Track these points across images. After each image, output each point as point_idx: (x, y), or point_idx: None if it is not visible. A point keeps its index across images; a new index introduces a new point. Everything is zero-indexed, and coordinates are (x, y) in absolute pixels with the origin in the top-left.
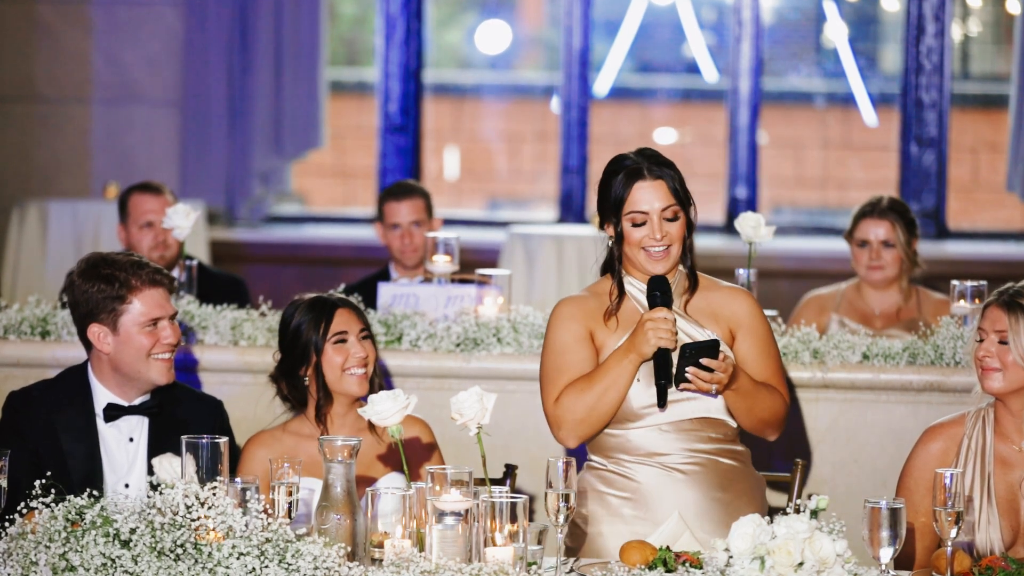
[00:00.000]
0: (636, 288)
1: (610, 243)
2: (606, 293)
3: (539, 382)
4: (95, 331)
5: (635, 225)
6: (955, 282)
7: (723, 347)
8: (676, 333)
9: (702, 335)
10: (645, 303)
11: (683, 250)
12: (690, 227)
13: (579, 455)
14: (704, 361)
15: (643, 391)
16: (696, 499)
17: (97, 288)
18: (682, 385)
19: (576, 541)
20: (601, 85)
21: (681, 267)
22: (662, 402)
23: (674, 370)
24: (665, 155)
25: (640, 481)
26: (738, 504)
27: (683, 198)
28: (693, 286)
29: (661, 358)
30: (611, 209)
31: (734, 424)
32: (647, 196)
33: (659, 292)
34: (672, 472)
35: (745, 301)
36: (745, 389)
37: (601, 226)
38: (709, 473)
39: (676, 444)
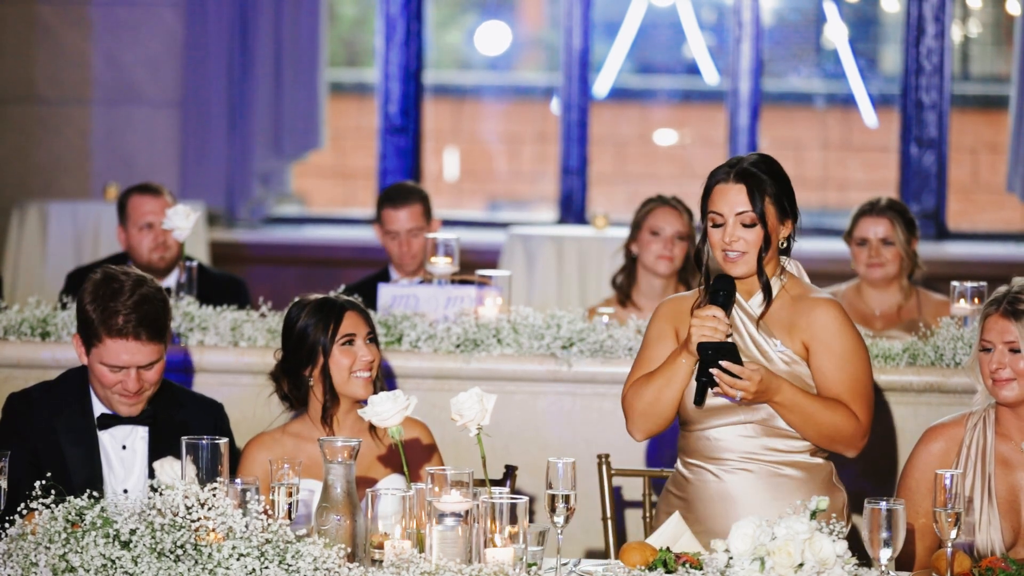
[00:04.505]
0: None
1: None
2: None
3: None
4: (76, 340)
5: (714, 225)
6: (955, 283)
7: (780, 355)
8: (727, 334)
9: (772, 349)
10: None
11: (759, 261)
12: (767, 241)
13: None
14: (725, 365)
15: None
16: (744, 507)
17: (85, 311)
18: (715, 390)
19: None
20: (601, 86)
21: (772, 278)
22: (698, 400)
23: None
24: (774, 168)
25: (692, 481)
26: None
27: (763, 210)
28: (767, 299)
29: (701, 362)
30: (703, 204)
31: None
32: (725, 198)
33: (722, 292)
34: (722, 478)
35: (824, 314)
36: (791, 402)
37: (702, 217)
38: (761, 483)
39: (735, 448)
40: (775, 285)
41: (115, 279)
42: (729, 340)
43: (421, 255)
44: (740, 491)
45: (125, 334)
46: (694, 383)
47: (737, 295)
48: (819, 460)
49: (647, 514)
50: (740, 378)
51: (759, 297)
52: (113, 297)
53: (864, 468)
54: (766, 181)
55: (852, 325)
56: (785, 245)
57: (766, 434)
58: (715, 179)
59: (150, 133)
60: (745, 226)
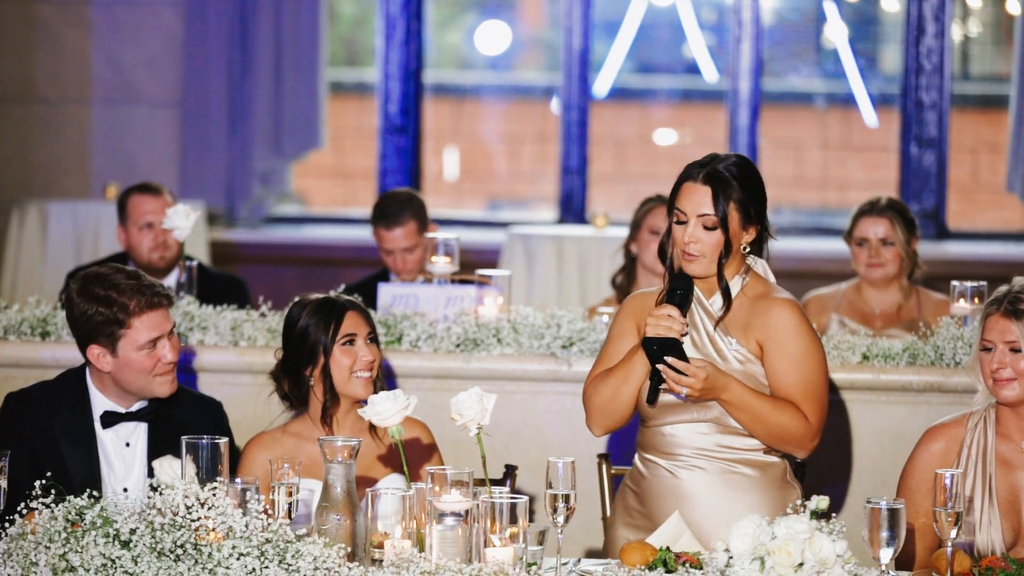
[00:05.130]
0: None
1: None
2: None
3: None
4: (94, 352)
5: (677, 222)
6: (955, 283)
7: (735, 353)
8: (683, 333)
9: (727, 348)
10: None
11: (719, 265)
12: (728, 245)
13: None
14: (670, 360)
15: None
16: (698, 502)
17: (95, 311)
18: (662, 386)
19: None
20: (601, 86)
21: (736, 278)
22: (651, 398)
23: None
24: (746, 172)
25: (647, 477)
26: (745, 513)
27: (725, 214)
28: (727, 304)
29: (647, 351)
30: (670, 198)
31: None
32: (690, 197)
33: (679, 291)
34: (676, 474)
35: (780, 314)
36: (739, 401)
37: (668, 212)
38: (715, 479)
39: (690, 444)
40: (736, 285)
41: (100, 275)
42: (673, 337)
43: (418, 266)
44: (693, 488)
45: (154, 304)
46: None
47: (699, 292)
48: (773, 458)
49: None
50: (685, 374)
51: (717, 296)
52: (117, 286)
53: (863, 467)
54: (734, 186)
55: (809, 326)
56: (748, 250)
57: (720, 431)
58: (685, 176)
59: (150, 133)
60: (706, 228)
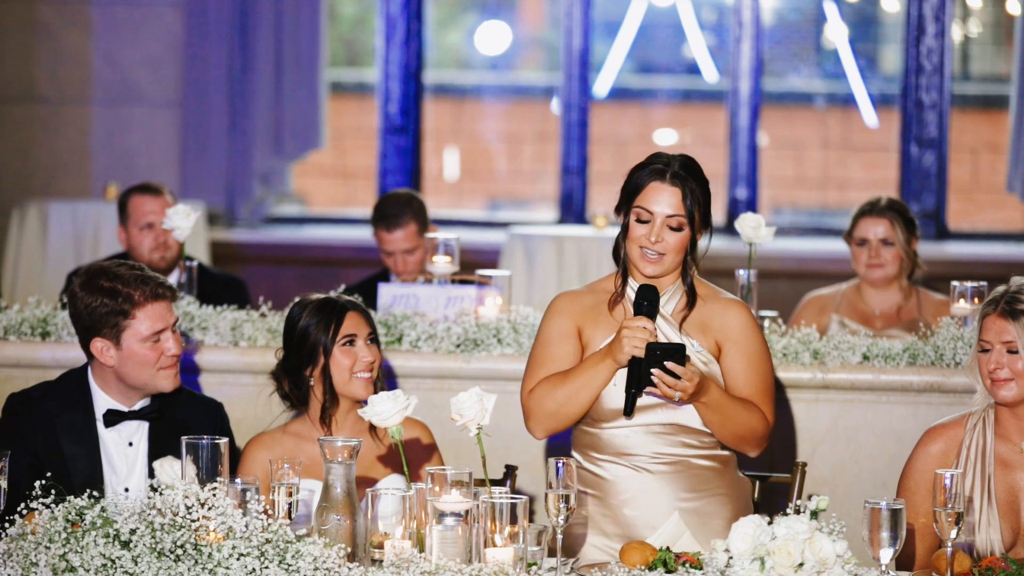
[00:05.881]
0: (632, 291)
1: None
2: (605, 291)
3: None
4: (98, 345)
5: (639, 221)
6: (955, 283)
7: (698, 355)
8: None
9: (692, 351)
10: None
11: (683, 266)
12: (693, 244)
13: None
14: (669, 366)
15: (618, 394)
16: (664, 499)
17: (99, 302)
18: (647, 389)
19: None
20: (601, 86)
21: (681, 283)
22: (628, 410)
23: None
24: (701, 173)
25: (607, 479)
26: (711, 507)
27: (692, 215)
28: (691, 303)
29: (634, 367)
30: (626, 197)
31: (710, 431)
32: (658, 198)
33: (646, 302)
34: (641, 472)
35: (737, 315)
36: (716, 403)
37: (616, 210)
38: (679, 475)
39: (647, 446)
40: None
41: (104, 268)
42: (680, 343)
43: (419, 267)
44: (659, 484)
45: (158, 296)
46: (612, 388)
47: None
48: (727, 452)
49: None
50: (680, 379)
51: (667, 296)
52: (121, 277)
53: (863, 468)
54: (697, 187)
55: (760, 327)
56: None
57: (680, 432)
58: (647, 178)
59: (150, 133)
60: (672, 229)
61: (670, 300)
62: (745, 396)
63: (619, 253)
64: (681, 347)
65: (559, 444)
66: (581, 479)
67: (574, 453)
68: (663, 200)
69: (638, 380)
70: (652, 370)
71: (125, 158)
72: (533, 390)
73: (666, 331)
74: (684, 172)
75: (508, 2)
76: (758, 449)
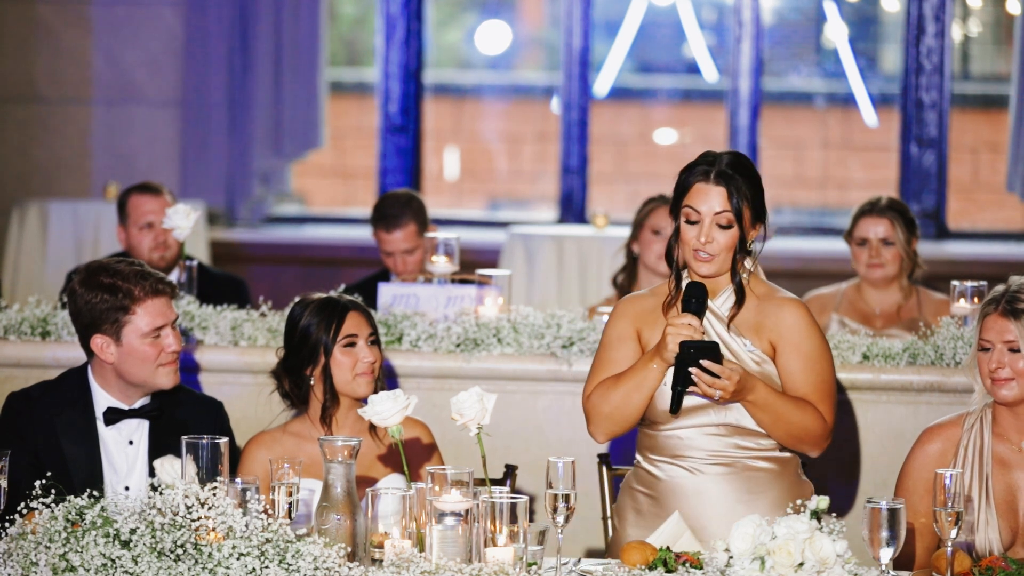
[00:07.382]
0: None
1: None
2: (665, 294)
3: None
4: (98, 342)
5: (688, 222)
6: (955, 282)
7: (750, 355)
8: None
9: (742, 350)
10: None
11: (733, 264)
12: (742, 242)
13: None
14: (706, 364)
15: (670, 395)
16: (718, 501)
17: (100, 298)
18: (690, 388)
19: (608, 538)
20: (601, 85)
21: (731, 282)
22: (675, 408)
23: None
24: (751, 169)
25: (662, 479)
26: (766, 509)
27: (740, 212)
28: (740, 301)
29: (679, 365)
30: (676, 199)
31: (765, 433)
32: (704, 197)
33: (694, 299)
34: (696, 473)
35: (791, 314)
36: (764, 402)
37: (671, 212)
38: (734, 476)
39: (702, 447)
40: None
41: (104, 265)
42: (713, 341)
43: (419, 267)
44: (714, 486)
45: (158, 292)
46: (665, 389)
47: None
48: (787, 454)
49: None
50: (719, 377)
51: (723, 297)
52: (121, 273)
53: (863, 467)
54: (744, 183)
55: (818, 326)
56: (750, 247)
57: (734, 434)
58: (693, 178)
59: (150, 133)
60: (721, 227)
61: (727, 300)
62: (802, 395)
63: (671, 255)
64: (715, 345)
65: (620, 450)
66: (639, 479)
67: (637, 455)
68: (709, 199)
69: (683, 379)
70: (691, 368)
71: (125, 158)
72: (591, 394)
73: (717, 330)
74: (730, 170)
75: (508, 2)
76: (818, 449)
